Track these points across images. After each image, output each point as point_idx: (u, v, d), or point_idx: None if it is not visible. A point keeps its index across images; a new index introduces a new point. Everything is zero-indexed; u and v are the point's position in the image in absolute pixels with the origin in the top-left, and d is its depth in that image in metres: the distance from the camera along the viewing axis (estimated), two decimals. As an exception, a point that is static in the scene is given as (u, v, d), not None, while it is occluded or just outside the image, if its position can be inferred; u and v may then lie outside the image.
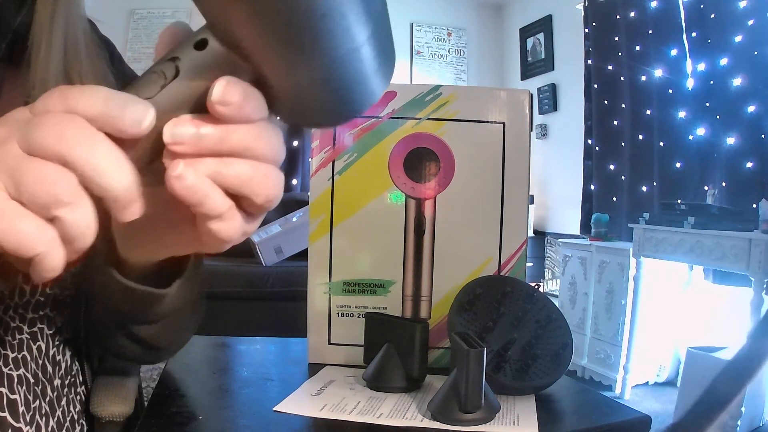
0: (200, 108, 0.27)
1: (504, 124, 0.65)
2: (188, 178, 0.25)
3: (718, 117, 2.63)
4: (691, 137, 2.80)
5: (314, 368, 0.63)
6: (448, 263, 0.65)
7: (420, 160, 0.65)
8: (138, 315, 0.44)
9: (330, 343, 0.66)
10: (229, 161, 0.26)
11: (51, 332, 0.47)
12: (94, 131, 0.24)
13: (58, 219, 0.24)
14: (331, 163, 0.66)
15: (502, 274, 0.65)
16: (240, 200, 0.27)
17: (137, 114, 0.25)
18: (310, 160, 0.68)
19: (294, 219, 3.00)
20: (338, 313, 0.66)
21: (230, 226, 0.27)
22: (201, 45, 0.27)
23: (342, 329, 0.66)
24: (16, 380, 0.42)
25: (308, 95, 0.28)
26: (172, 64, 0.27)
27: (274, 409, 0.50)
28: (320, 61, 0.26)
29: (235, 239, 0.28)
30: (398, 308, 0.66)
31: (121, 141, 0.25)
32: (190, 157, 0.25)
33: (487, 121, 0.65)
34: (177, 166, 0.25)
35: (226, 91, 0.25)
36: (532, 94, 0.67)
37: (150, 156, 0.27)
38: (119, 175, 0.25)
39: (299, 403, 0.52)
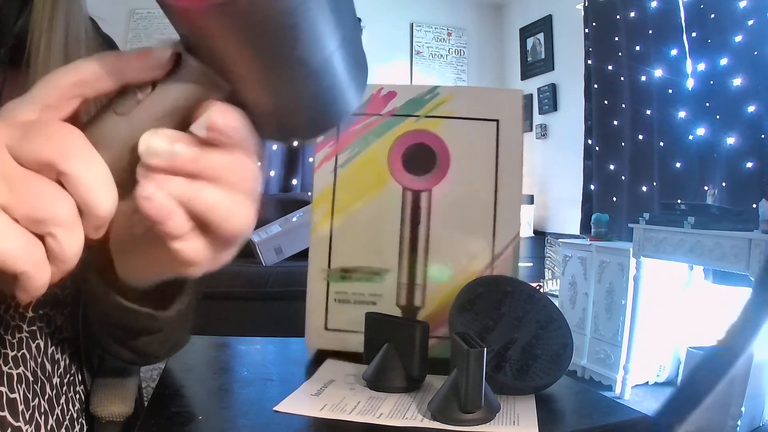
0: (176, 123, 0.27)
1: (498, 121, 0.67)
2: (157, 198, 0.25)
3: (718, 117, 2.62)
4: (691, 137, 2.80)
5: (314, 366, 0.63)
6: (442, 253, 0.68)
7: (417, 155, 0.68)
8: (133, 329, 0.45)
9: (327, 329, 0.68)
10: (199, 186, 0.26)
11: (50, 331, 0.47)
12: (90, 146, 0.25)
13: (52, 237, 0.24)
14: (334, 157, 0.69)
15: (494, 265, 0.66)
16: (206, 227, 0.27)
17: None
18: (310, 160, 0.70)
19: (294, 219, 3.01)
20: (335, 299, 0.68)
21: (191, 248, 0.27)
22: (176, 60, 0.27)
23: (339, 315, 0.68)
24: (15, 379, 0.42)
25: (283, 108, 0.28)
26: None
27: (274, 409, 0.50)
28: (293, 70, 0.26)
29: (200, 263, 0.28)
30: (393, 296, 0.68)
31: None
32: (163, 173, 0.26)
33: (482, 119, 0.68)
34: (147, 186, 0.25)
35: (219, 117, 0.25)
36: (524, 94, 0.69)
37: (128, 171, 0.27)
38: (108, 198, 0.25)
39: (299, 403, 0.52)
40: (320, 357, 0.70)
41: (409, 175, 0.68)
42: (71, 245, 0.25)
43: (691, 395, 0.19)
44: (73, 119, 0.27)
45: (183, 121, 0.28)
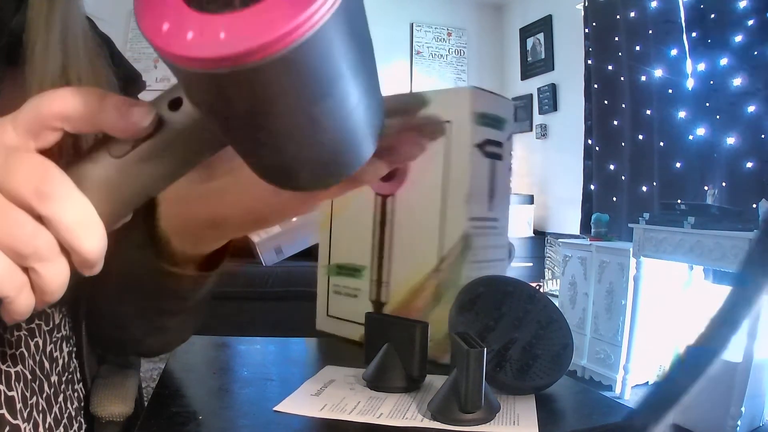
0: (172, 170, 0.27)
1: (450, 122, 0.66)
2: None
3: (718, 117, 2.63)
4: (691, 137, 2.80)
5: (314, 366, 0.63)
6: (403, 253, 0.71)
7: None
8: (171, 300, 0.45)
9: (328, 315, 0.79)
10: None
11: (48, 328, 0.47)
12: (71, 186, 0.25)
13: (33, 270, 0.25)
14: None
15: (441, 267, 0.66)
16: None
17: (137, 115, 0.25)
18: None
19: (294, 219, 3.00)
20: (333, 291, 0.79)
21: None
22: (175, 104, 0.26)
23: (336, 304, 0.79)
24: (14, 377, 0.42)
25: (286, 166, 0.26)
26: None
27: (274, 409, 0.50)
28: (307, 133, 0.24)
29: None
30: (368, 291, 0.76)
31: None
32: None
33: (444, 121, 0.68)
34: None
35: None
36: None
37: (120, 212, 0.27)
38: (92, 238, 0.25)
39: (299, 403, 0.52)
40: (323, 345, 0.70)
41: (378, 181, 0.71)
42: (52, 280, 0.25)
43: (669, 394, 0.19)
44: (75, 144, 0.27)
45: (181, 167, 0.27)
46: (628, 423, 0.20)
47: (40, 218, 0.24)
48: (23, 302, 0.25)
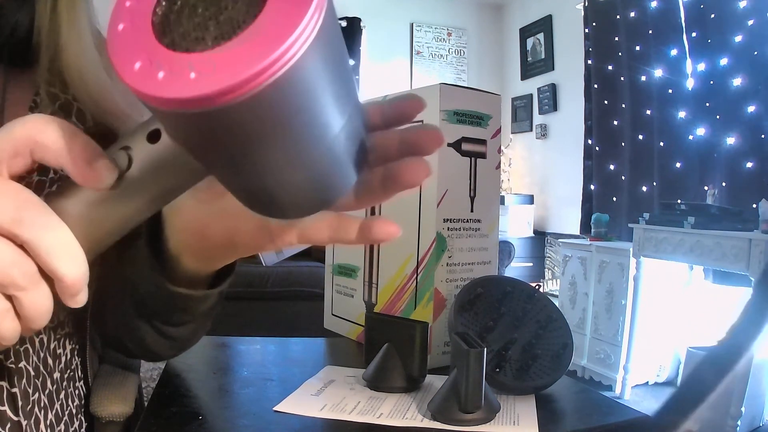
0: (153, 200, 0.27)
1: (422, 122, 0.65)
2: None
3: (718, 117, 2.63)
4: (691, 137, 2.80)
5: (315, 366, 0.63)
6: (389, 255, 0.72)
7: None
8: (179, 314, 0.45)
9: (333, 314, 0.81)
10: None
11: (52, 325, 0.47)
12: (50, 213, 0.25)
13: (15, 298, 0.25)
14: None
15: (419, 269, 0.66)
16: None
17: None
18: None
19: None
20: (336, 291, 0.81)
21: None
22: (154, 137, 0.25)
23: (338, 303, 0.81)
24: (17, 374, 0.42)
25: (264, 197, 0.26)
26: (124, 153, 0.26)
27: (274, 409, 0.50)
28: (285, 168, 0.23)
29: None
30: (362, 291, 0.77)
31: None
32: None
33: (414, 121, 0.68)
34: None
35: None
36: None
37: (105, 240, 0.27)
38: (71, 264, 0.25)
39: (299, 403, 0.52)
40: (323, 345, 0.71)
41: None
42: (34, 307, 0.25)
43: (694, 393, 0.19)
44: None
45: (164, 197, 0.27)
46: (656, 421, 0.19)
47: (21, 246, 0.24)
48: (7, 328, 0.25)
